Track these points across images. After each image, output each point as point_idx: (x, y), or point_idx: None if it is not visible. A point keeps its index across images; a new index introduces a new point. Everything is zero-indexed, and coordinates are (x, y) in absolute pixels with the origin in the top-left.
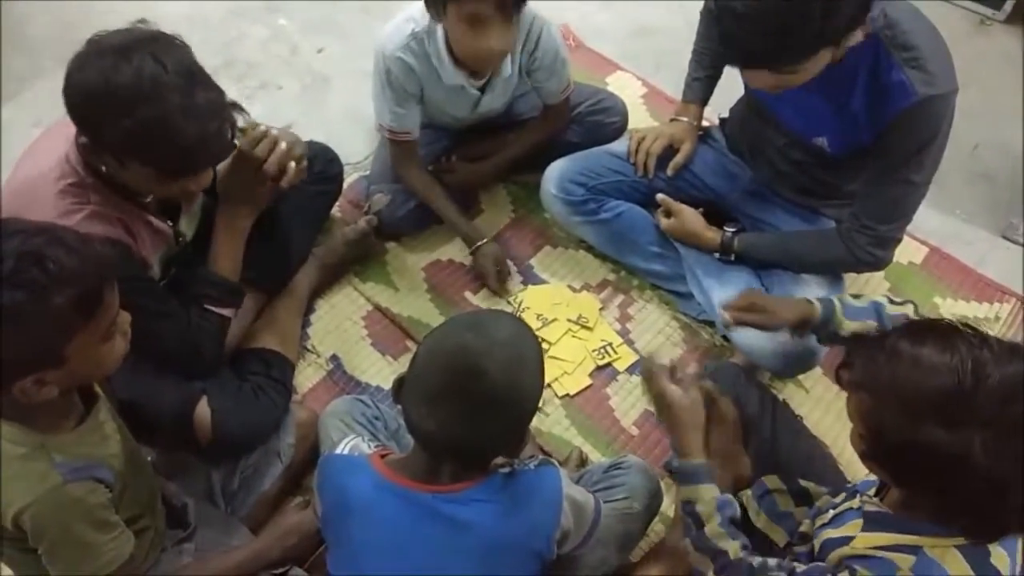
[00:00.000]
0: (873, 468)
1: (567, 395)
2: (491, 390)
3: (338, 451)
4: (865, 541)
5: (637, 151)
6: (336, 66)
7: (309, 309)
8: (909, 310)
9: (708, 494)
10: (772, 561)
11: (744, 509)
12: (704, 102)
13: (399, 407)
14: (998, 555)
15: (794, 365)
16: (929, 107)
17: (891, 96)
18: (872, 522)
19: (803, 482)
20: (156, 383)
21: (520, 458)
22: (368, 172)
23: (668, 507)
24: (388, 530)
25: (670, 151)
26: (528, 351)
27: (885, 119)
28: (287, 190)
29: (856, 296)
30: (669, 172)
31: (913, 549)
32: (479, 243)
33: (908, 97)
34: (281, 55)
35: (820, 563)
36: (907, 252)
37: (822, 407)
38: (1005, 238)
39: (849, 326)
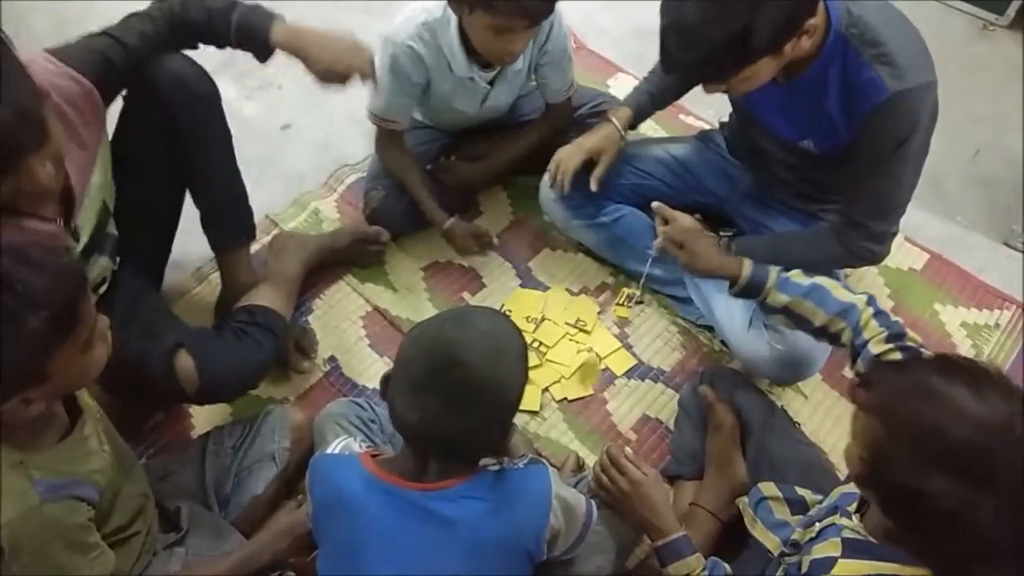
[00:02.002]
0: (865, 492)
1: (565, 399)
2: (470, 379)
3: (329, 451)
4: (845, 569)
5: (557, 172)
6: None
7: (307, 310)
8: (861, 300)
9: (697, 564)
10: None
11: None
12: (636, 112)
13: (386, 403)
14: None
15: (792, 373)
16: (902, 102)
17: (863, 94)
18: (852, 549)
19: (799, 490)
20: (126, 349)
21: (512, 457)
22: (366, 173)
23: None
24: (378, 528)
25: (590, 164)
26: (509, 343)
27: (860, 117)
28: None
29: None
30: (593, 187)
31: None
32: (449, 222)
33: (880, 94)
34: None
35: None
36: (907, 258)
37: (820, 413)
38: (1006, 245)
39: (778, 298)
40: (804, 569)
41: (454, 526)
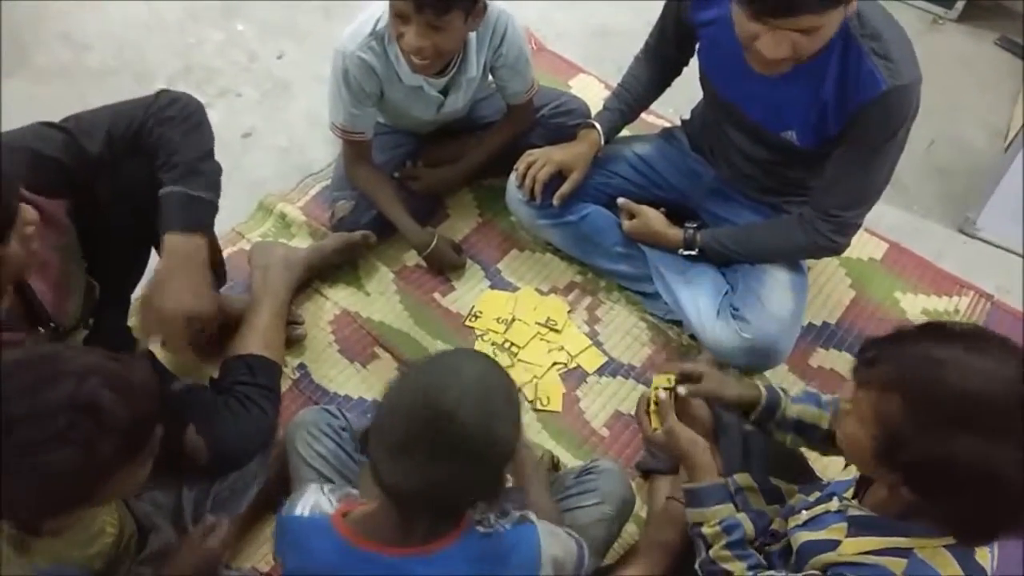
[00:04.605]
0: (880, 470)
1: (539, 400)
2: (461, 436)
3: (297, 512)
4: (853, 547)
5: (525, 175)
6: (296, 71)
7: None
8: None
9: (714, 516)
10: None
11: None
12: (607, 132)
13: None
14: (981, 552)
15: (760, 360)
16: (896, 98)
17: (860, 85)
18: (859, 526)
19: (774, 480)
20: None
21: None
22: (330, 181)
23: (640, 508)
24: None
25: (559, 177)
26: (500, 392)
27: (854, 108)
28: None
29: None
30: (555, 202)
31: (904, 552)
32: (430, 246)
33: (876, 87)
34: (240, 61)
35: (814, 572)
36: (867, 248)
37: None
38: (962, 232)
39: (793, 408)
40: (795, 554)
41: None
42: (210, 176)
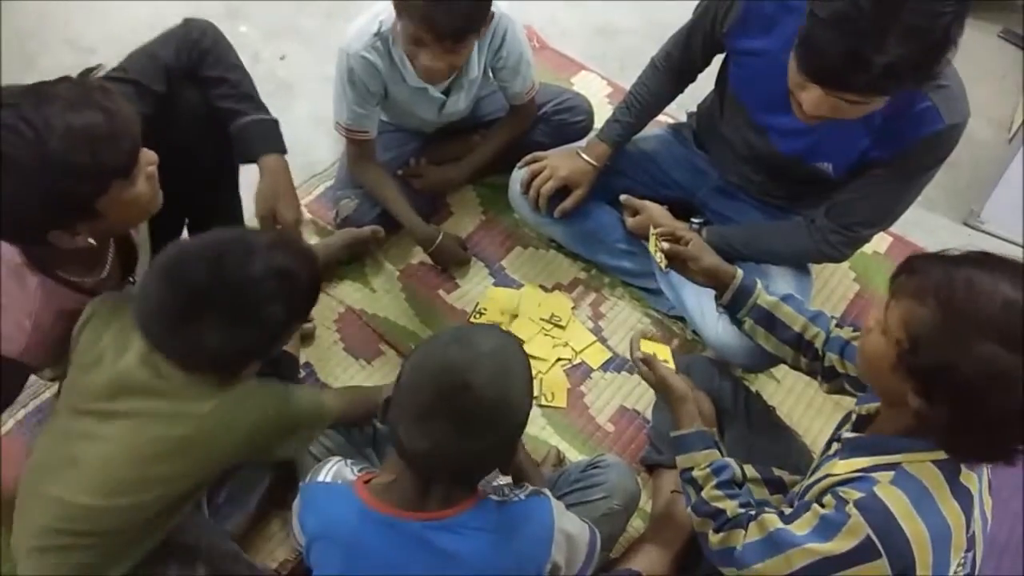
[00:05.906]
0: (894, 380)
1: (544, 396)
2: (477, 405)
3: (320, 478)
4: (844, 467)
5: (530, 185)
6: (300, 72)
7: None
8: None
9: (704, 460)
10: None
11: None
12: (616, 146)
13: (387, 427)
14: (967, 474)
15: (763, 359)
16: (951, 133)
17: (916, 121)
18: (850, 448)
19: (777, 471)
20: None
21: (514, 484)
22: (334, 180)
23: (645, 502)
24: (374, 561)
25: (563, 189)
26: (515, 363)
27: (905, 142)
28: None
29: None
30: (556, 215)
31: (892, 466)
32: (436, 241)
33: (934, 123)
34: (243, 62)
35: (807, 501)
36: (872, 242)
37: (794, 397)
38: (967, 225)
39: (767, 298)
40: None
41: (455, 560)
42: (257, 94)
